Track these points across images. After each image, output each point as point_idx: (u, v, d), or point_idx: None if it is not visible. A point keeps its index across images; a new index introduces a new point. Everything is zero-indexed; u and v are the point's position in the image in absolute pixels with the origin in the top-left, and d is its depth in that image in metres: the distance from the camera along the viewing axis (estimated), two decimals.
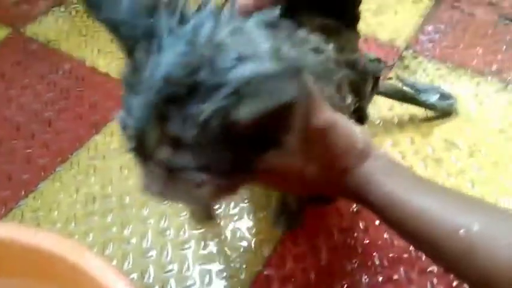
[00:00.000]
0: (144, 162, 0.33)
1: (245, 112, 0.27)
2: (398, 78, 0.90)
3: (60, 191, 0.78)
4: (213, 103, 0.28)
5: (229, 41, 0.30)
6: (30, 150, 0.84)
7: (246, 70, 0.29)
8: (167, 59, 0.30)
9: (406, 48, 1.01)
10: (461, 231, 0.34)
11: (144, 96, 0.31)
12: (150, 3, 0.33)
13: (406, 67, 0.96)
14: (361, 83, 0.53)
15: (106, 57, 1.02)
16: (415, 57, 0.99)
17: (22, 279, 0.56)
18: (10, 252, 0.54)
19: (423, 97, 0.83)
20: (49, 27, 1.11)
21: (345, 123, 0.40)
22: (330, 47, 0.45)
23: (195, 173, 0.31)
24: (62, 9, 1.16)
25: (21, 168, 0.81)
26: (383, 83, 0.82)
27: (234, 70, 0.29)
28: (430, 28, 1.06)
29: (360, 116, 0.55)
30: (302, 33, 0.41)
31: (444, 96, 0.85)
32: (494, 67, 0.95)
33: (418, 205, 0.37)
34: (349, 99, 0.49)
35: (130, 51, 0.33)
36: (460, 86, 0.92)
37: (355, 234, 0.70)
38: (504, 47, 1.00)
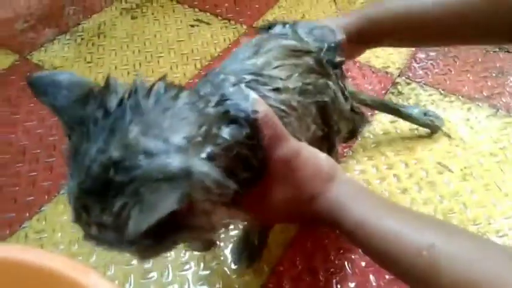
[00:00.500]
0: (82, 231, 0.38)
1: (133, 227, 0.31)
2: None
3: (64, 213, 0.79)
4: (121, 199, 0.33)
5: (138, 139, 0.34)
6: (34, 174, 0.86)
7: (147, 170, 0.33)
8: (90, 153, 0.34)
9: (400, 75, 1.05)
10: (424, 251, 0.36)
11: (73, 185, 0.35)
12: (84, 94, 0.37)
13: (400, 93, 1.00)
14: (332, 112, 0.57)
15: None
16: (408, 84, 1.02)
17: None
18: (18, 274, 0.55)
19: (407, 110, 0.87)
20: (55, 55, 1.14)
21: (309, 152, 0.42)
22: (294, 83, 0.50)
23: (120, 247, 0.37)
24: (68, 37, 1.20)
25: (25, 191, 0.83)
26: (369, 96, 0.86)
27: (137, 170, 0.33)
28: (422, 55, 1.10)
29: (328, 145, 0.59)
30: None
31: (428, 114, 0.89)
32: (484, 93, 0.99)
33: (383, 227, 0.39)
34: (312, 129, 0.53)
35: (69, 132, 0.38)
36: (452, 111, 0.95)
37: (352, 256, 0.72)
38: (494, 73, 1.04)
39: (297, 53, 0.54)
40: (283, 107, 0.48)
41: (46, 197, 0.82)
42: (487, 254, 0.37)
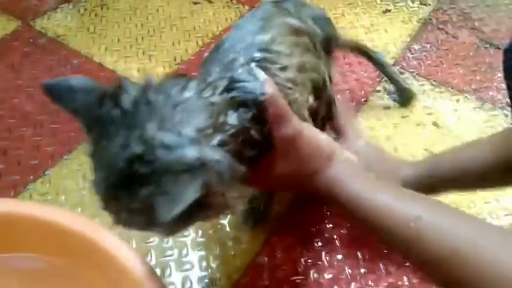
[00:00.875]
0: (111, 215, 0.42)
1: (163, 216, 0.34)
2: (385, 90, 0.99)
3: (67, 177, 0.82)
4: (147, 189, 0.37)
5: (155, 135, 0.37)
6: (39, 138, 0.88)
7: (165, 162, 0.36)
8: (112, 150, 0.38)
9: (394, 64, 1.09)
10: (411, 223, 0.41)
11: (101, 178, 0.39)
12: (100, 95, 0.40)
13: None
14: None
15: (113, 55, 1.07)
16: (402, 73, 1.07)
17: (35, 254, 0.61)
18: (29, 227, 0.59)
19: (381, 57, 0.95)
20: (57, 23, 1.15)
21: (311, 132, 0.46)
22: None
23: (147, 227, 0.41)
24: (70, 6, 1.21)
25: (30, 154, 0.86)
26: (344, 39, 0.88)
27: (158, 162, 0.36)
28: (416, 47, 1.14)
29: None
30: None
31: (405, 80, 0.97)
32: (473, 86, 1.04)
33: (375, 201, 0.44)
34: (311, 100, 0.58)
35: (88, 132, 0.41)
36: (441, 102, 1.00)
37: (341, 231, 0.77)
38: (483, 68, 1.09)
39: (298, 32, 0.58)
40: (289, 85, 0.52)
41: (50, 161, 0.85)
42: (470, 225, 0.41)
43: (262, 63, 0.50)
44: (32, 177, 0.82)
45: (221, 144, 0.40)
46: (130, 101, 0.39)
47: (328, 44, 0.65)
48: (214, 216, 0.44)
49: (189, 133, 0.38)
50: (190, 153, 0.37)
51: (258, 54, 0.50)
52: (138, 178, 0.37)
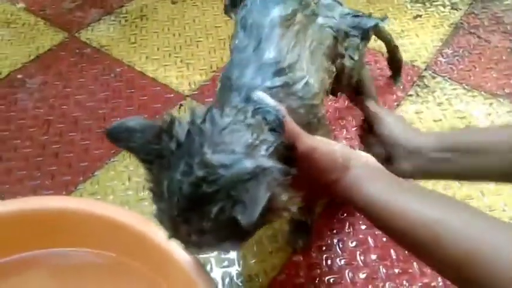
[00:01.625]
0: (181, 242, 0.46)
1: (244, 220, 0.39)
2: (417, 94, 1.01)
3: (114, 179, 0.88)
4: (216, 205, 0.41)
5: (213, 158, 0.42)
6: (87, 142, 0.95)
7: (229, 177, 0.41)
8: (176, 177, 0.42)
9: (426, 68, 1.10)
10: (429, 225, 0.42)
11: (168, 206, 0.43)
12: (156, 132, 0.44)
13: (426, 86, 1.06)
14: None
15: (153, 64, 1.13)
16: (434, 77, 1.08)
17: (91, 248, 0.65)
18: (85, 223, 0.64)
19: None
20: (101, 34, 1.22)
21: (325, 145, 0.49)
22: None
23: (218, 244, 0.45)
24: (112, 18, 1.28)
25: (79, 157, 0.92)
26: None
27: (222, 179, 0.41)
28: (449, 51, 1.15)
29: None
30: None
31: None
32: (506, 90, 1.04)
33: (392, 203, 0.45)
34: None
35: (148, 167, 0.45)
36: (474, 106, 1.01)
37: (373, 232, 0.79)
38: None
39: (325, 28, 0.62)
40: (304, 111, 0.56)
41: (98, 163, 0.91)
42: (489, 227, 0.41)
43: (278, 95, 0.53)
44: (81, 178, 0.88)
45: (268, 155, 0.44)
46: (184, 133, 0.43)
47: (356, 47, 0.68)
48: (274, 220, 0.47)
49: (241, 150, 0.43)
50: (248, 164, 0.42)
51: (270, 84, 0.53)
52: (206, 198, 0.41)
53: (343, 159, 0.49)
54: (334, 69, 0.65)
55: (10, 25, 1.25)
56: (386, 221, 0.45)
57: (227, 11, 0.70)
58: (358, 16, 0.68)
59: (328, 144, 0.50)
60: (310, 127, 0.54)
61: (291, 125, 0.48)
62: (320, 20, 0.62)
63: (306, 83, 0.55)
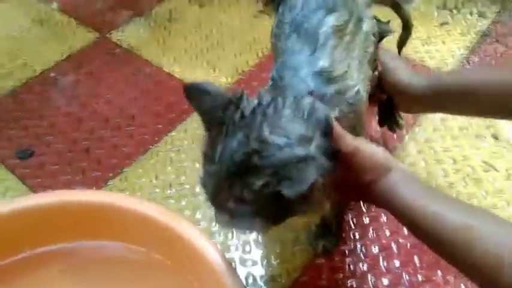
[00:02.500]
0: (217, 208, 0.49)
1: (289, 192, 0.42)
2: None
3: (142, 176, 0.90)
4: (261, 179, 0.44)
5: (270, 136, 0.45)
6: (116, 139, 0.98)
7: (280, 157, 0.44)
8: (232, 145, 0.45)
9: None
10: (462, 232, 0.44)
11: (217, 169, 0.46)
12: (226, 101, 0.48)
13: None
14: None
15: (181, 66, 1.16)
16: None
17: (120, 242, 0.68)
18: (114, 216, 0.66)
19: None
20: (131, 35, 1.26)
21: (367, 146, 0.52)
22: None
23: (251, 217, 0.47)
24: (142, 20, 1.31)
25: (109, 154, 0.95)
26: None
27: (273, 157, 0.44)
28: (475, 59, 1.14)
29: None
30: None
31: None
32: None
33: (427, 209, 0.48)
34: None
35: (208, 129, 0.49)
36: None
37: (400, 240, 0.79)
38: None
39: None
40: (353, 116, 0.59)
41: (127, 161, 0.93)
42: None
43: (331, 101, 0.57)
44: (111, 174, 0.91)
45: (317, 151, 0.47)
46: (250, 109, 0.48)
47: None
48: (308, 212, 0.50)
49: (295, 137, 0.46)
50: (299, 151, 0.45)
51: (325, 91, 0.57)
52: (254, 170, 0.44)
53: (384, 162, 0.52)
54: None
55: (44, 24, 1.30)
56: (421, 225, 0.48)
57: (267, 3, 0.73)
58: (378, 21, 0.72)
59: (371, 146, 0.53)
60: (355, 131, 0.56)
61: (338, 127, 0.51)
62: (365, 26, 0.66)
63: (357, 91, 0.60)
